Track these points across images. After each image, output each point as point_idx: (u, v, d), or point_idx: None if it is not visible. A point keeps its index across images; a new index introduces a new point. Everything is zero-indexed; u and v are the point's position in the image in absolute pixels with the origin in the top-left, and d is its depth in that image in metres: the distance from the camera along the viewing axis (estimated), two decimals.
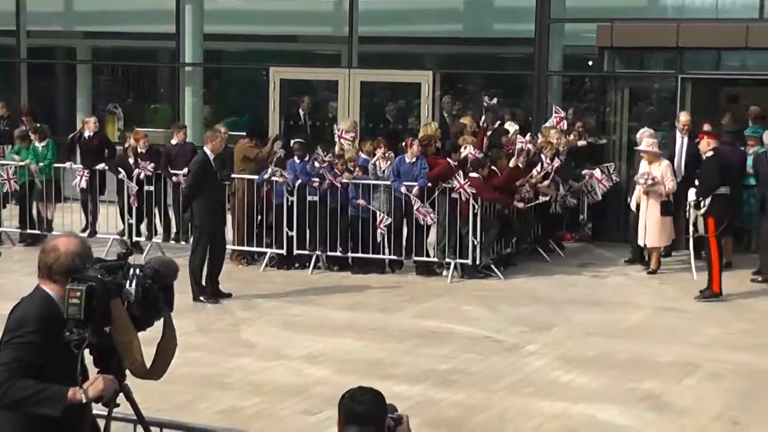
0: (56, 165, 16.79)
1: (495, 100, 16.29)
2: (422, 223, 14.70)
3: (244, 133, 16.32)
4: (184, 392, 9.51)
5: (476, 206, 14.48)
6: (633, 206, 15.28)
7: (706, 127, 15.06)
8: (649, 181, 14.70)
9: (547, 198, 15.61)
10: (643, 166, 15.03)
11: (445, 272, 14.90)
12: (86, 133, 17.24)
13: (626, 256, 15.83)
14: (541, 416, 9.38)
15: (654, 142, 15.25)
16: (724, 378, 10.56)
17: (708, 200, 13.58)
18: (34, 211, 16.91)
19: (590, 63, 19.29)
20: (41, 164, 16.63)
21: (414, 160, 14.80)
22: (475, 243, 14.57)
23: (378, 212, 14.66)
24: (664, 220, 14.89)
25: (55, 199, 16.84)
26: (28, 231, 16.82)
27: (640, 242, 15.21)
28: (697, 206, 13.71)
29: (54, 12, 22.95)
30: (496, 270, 14.85)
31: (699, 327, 12.45)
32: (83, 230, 16.04)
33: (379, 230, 14.70)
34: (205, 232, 13.47)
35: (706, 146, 13.86)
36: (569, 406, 9.63)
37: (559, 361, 11.02)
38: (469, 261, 14.66)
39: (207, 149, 13.58)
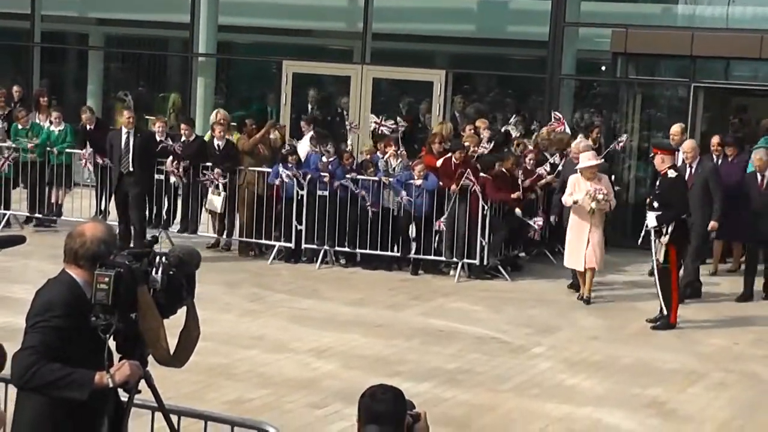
0: (68, 150, 16.78)
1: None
2: (437, 228, 14.73)
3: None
4: (193, 381, 9.53)
5: (486, 207, 14.50)
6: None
7: (681, 133, 14.52)
8: (607, 197, 13.40)
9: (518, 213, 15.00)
10: (575, 181, 13.53)
11: (452, 272, 14.93)
12: (88, 126, 17.13)
13: (631, 262, 15.79)
14: (547, 419, 9.42)
15: (594, 154, 13.97)
16: (729, 387, 10.60)
17: (671, 227, 12.35)
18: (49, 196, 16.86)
19: (603, 68, 19.32)
20: (56, 147, 16.59)
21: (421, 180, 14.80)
22: (484, 244, 14.60)
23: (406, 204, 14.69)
24: (603, 239, 13.78)
25: (66, 184, 16.85)
26: (37, 215, 16.83)
27: (578, 266, 13.69)
28: (659, 233, 12.39)
29: None
30: (503, 271, 14.89)
31: (705, 336, 12.48)
32: (95, 216, 16.05)
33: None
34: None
35: (661, 163, 12.60)
36: (575, 409, 9.68)
37: (565, 364, 11.06)
38: (476, 261, 14.69)
39: (124, 129, 15.31)
